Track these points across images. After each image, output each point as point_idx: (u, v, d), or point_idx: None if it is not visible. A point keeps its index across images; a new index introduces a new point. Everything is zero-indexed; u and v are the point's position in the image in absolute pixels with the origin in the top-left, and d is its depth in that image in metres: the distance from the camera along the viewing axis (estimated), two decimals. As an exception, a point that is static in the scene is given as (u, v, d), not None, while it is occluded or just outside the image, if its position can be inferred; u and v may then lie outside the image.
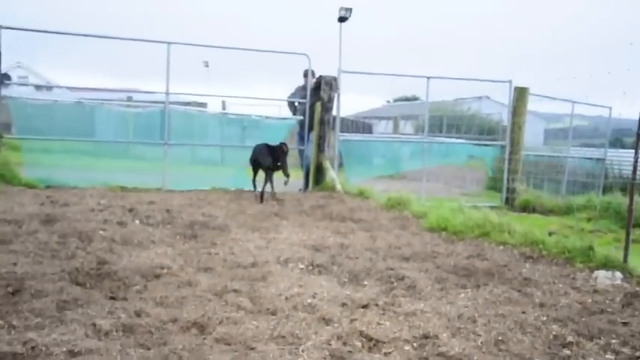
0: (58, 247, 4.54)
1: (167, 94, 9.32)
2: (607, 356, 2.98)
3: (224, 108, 16.99)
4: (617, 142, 17.69)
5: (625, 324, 3.46)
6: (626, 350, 3.06)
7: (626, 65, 4.83)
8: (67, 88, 13.97)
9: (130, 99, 16.15)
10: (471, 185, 12.74)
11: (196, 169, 11.92)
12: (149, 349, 2.65)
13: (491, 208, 8.67)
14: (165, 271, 4.03)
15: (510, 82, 10.49)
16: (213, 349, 2.68)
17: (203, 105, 17.53)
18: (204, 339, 2.81)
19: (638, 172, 5.05)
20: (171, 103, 10.72)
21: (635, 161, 4.85)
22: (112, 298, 3.41)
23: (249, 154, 11.38)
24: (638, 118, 4.94)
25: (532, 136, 17.82)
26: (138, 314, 3.09)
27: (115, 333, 2.81)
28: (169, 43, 9.02)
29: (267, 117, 14.49)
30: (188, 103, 15.99)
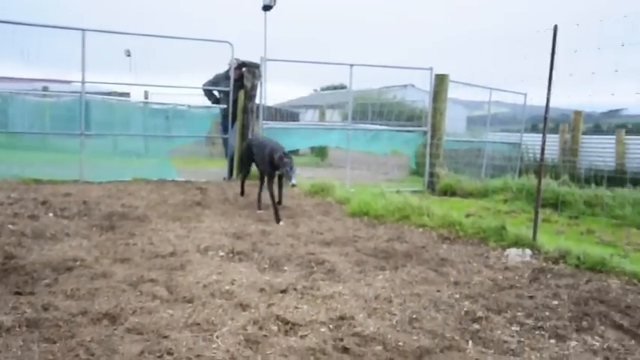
0: (-38, 242, 4.31)
1: (83, 83, 8.96)
2: (513, 328, 3.12)
3: (147, 98, 16.55)
4: (533, 128, 18.45)
5: (531, 297, 3.63)
6: (530, 321, 3.22)
7: (542, 52, 5.02)
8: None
9: (45, 89, 15.46)
10: (396, 171, 12.98)
11: (118, 161, 11.56)
12: (55, 342, 2.56)
13: (414, 192, 8.88)
14: (78, 263, 3.90)
15: (431, 69, 10.71)
16: (124, 340, 2.62)
17: (125, 95, 17.01)
18: (115, 330, 2.74)
19: (545, 154, 5.29)
20: (91, 93, 10.33)
21: (543, 143, 5.08)
22: (18, 293, 3.26)
23: (173, 144, 11.14)
24: (549, 105, 5.16)
25: (455, 123, 18.33)
26: (45, 308, 2.97)
27: (17, 329, 2.69)
28: (84, 30, 8.66)
29: (190, 106, 14.25)
30: (109, 93, 15.47)
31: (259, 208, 6.55)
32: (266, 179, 6.34)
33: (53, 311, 2.93)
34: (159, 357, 2.46)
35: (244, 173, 7.43)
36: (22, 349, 2.46)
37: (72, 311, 2.95)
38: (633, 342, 3.00)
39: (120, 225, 5.35)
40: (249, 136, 9.63)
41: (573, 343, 2.95)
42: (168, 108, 14.80)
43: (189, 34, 10.57)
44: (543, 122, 5.22)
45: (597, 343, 2.96)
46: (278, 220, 5.88)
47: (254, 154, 6.81)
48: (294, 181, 5.83)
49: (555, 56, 4.83)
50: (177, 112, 14.66)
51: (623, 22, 5.38)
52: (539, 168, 5.22)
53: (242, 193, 7.34)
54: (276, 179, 6.44)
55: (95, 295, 3.27)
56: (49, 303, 3.04)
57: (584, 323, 3.23)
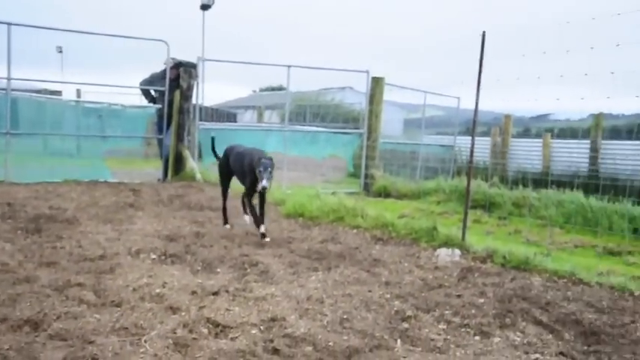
0: None
1: (9, 79, 8.61)
2: (440, 326, 3.21)
3: (79, 96, 16.05)
4: (467, 131, 18.99)
5: (458, 296, 3.75)
6: (456, 319, 3.32)
7: (475, 58, 5.19)
8: None
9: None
10: (333, 173, 13.10)
11: (48, 161, 11.17)
12: (-29, 351, 2.46)
13: (350, 194, 8.99)
14: (-1, 268, 3.75)
15: (367, 72, 10.88)
16: (46, 346, 2.53)
17: (57, 93, 16.46)
18: (37, 336, 2.65)
19: (477, 157, 5.47)
20: (19, 90, 9.95)
21: (472, 146, 5.24)
22: None
23: (107, 144, 10.81)
24: (478, 108, 5.34)
25: (392, 125, 18.65)
26: (-38, 315, 2.85)
27: None
28: (9, 24, 8.33)
29: (125, 106, 13.91)
30: (39, 91, 14.92)
31: (245, 212, 5.64)
32: (245, 192, 5.40)
33: (-29, 318, 2.81)
34: (83, 363, 2.40)
35: (224, 189, 5.84)
36: None
37: (-9, 318, 2.83)
38: (551, 336, 3.14)
39: (47, 228, 5.18)
40: (185, 137, 9.50)
41: (496, 340, 3.06)
42: (102, 107, 14.42)
43: (125, 32, 10.27)
44: (472, 125, 5.40)
45: (518, 339, 3.08)
46: (262, 233, 5.13)
47: (231, 166, 5.64)
48: (264, 183, 4.93)
49: (484, 62, 5.01)
50: (111, 111, 14.30)
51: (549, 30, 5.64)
52: (469, 170, 5.39)
53: (225, 220, 5.76)
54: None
55: (17, 300, 3.14)
56: (-33, 310, 2.91)
57: (507, 320, 3.35)
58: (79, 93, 16.44)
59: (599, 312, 3.58)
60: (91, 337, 2.67)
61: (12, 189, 7.26)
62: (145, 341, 2.68)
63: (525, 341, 3.05)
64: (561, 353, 2.91)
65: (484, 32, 5.17)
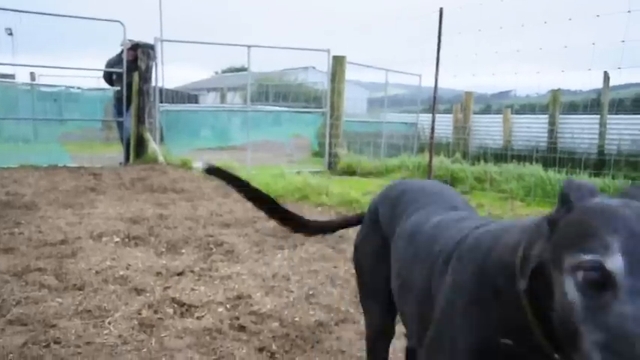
0: None
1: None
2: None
3: (33, 79, 15.60)
4: (429, 109, 19.16)
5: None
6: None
7: (434, 34, 5.22)
8: None
9: None
10: (297, 152, 13.08)
11: (3, 147, 10.88)
12: None
13: (315, 173, 8.99)
14: (-45, 255, 3.64)
15: (328, 50, 10.84)
16: (5, 332, 2.48)
17: (10, 77, 15.97)
18: (-4, 322, 2.60)
19: (439, 134, 5.54)
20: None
21: (433, 122, 5.30)
22: None
23: (65, 128, 10.55)
24: (437, 85, 5.39)
25: (356, 104, 18.69)
26: None
27: None
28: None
29: (82, 89, 13.60)
30: (-10, 74, 14.45)
31: None
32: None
33: None
34: (45, 346, 2.36)
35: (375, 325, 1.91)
36: None
37: (-53, 305, 2.76)
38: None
39: (4, 214, 5.04)
40: (146, 119, 9.31)
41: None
42: (59, 90, 14.04)
43: (79, 13, 9.97)
44: (433, 101, 5.45)
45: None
46: None
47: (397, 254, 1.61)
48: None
49: (442, 38, 5.04)
50: (68, 94, 13.95)
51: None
52: (430, 146, 5.45)
53: None
54: None
55: (-26, 287, 3.07)
56: None
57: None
58: (33, 76, 15.96)
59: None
60: (53, 320, 2.63)
61: (-34, 176, 7.04)
62: (109, 323, 2.65)
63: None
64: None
65: (441, 9, 5.20)
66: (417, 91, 14.56)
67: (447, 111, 17.27)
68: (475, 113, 16.07)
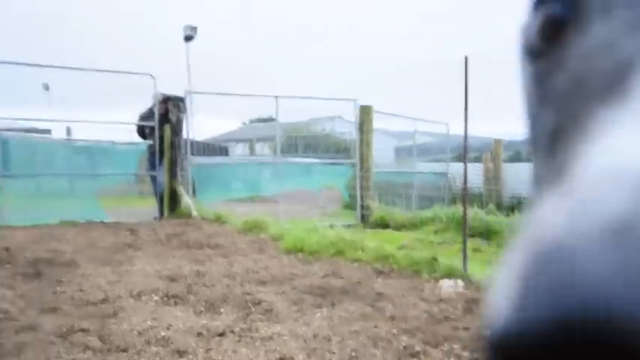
0: None
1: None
2: (448, 360, 3.21)
3: (69, 134, 16.05)
4: (459, 157, 19.14)
5: (466, 329, 3.74)
6: (466, 354, 3.31)
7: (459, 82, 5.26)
8: None
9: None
10: (329, 205, 13.12)
11: (42, 202, 11.15)
12: (-19, 405, 2.43)
13: (348, 226, 9.00)
14: (1, 316, 3.72)
15: (355, 100, 11.00)
16: (56, 397, 2.52)
17: (46, 132, 16.48)
18: (46, 387, 2.63)
19: (471, 184, 5.53)
20: (8, 130, 9.99)
21: (465, 172, 5.29)
22: (-62, 352, 3.08)
23: (100, 183, 10.75)
24: (467, 133, 5.41)
25: (384, 154, 18.76)
26: (-32, 367, 2.83)
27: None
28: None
29: (115, 142, 13.89)
30: (28, 130, 14.94)
31: None
32: None
33: (-23, 371, 2.79)
34: (94, 413, 2.38)
35: None
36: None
37: (-2, 369, 2.81)
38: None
39: (46, 272, 5.14)
40: (178, 173, 9.48)
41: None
42: (93, 144, 14.38)
43: (110, 67, 10.36)
44: (464, 151, 5.46)
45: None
46: None
47: None
48: None
49: (469, 87, 5.09)
50: (102, 149, 14.27)
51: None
52: (463, 197, 5.43)
53: None
54: None
55: (22, 349, 3.12)
56: (-28, 362, 2.89)
57: (515, 351, 3.35)
58: (68, 131, 16.42)
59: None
60: (100, 385, 2.65)
61: (9, 233, 7.22)
62: None
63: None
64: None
65: (466, 57, 5.26)
66: (445, 139, 14.60)
67: (477, 159, 17.23)
68: (505, 161, 15.96)
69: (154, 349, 3.19)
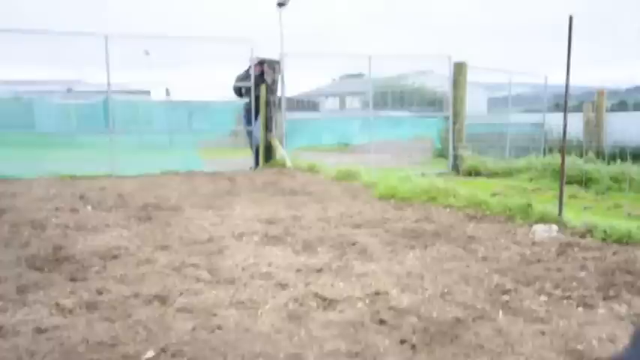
0: (11, 236, 4.53)
1: (109, 84, 9.26)
2: (541, 298, 3.24)
3: (168, 94, 16.82)
4: (556, 107, 18.35)
5: (558, 270, 3.74)
6: (557, 292, 3.33)
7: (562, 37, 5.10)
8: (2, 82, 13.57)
9: (70, 90, 15.83)
10: (419, 154, 13.07)
11: (145, 155, 11.83)
12: (114, 321, 2.75)
13: (439, 174, 8.98)
14: (122, 251, 4.10)
15: (449, 57, 10.79)
16: (176, 318, 2.80)
17: (146, 92, 17.34)
18: (167, 310, 2.93)
19: (570, 134, 5.38)
20: (114, 92, 10.61)
21: (564, 127, 5.15)
22: (72, 279, 3.46)
23: (196, 137, 11.23)
24: (568, 91, 5.24)
25: (476, 104, 18.29)
26: (100, 292, 3.18)
27: (79, 310, 2.90)
28: (107, 36, 8.96)
29: (210, 102, 14.41)
30: (131, 92, 15.75)
31: None
32: None
33: (107, 294, 3.13)
34: (211, 332, 2.64)
35: None
36: (87, 327, 2.66)
37: (124, 294, 3.14)
38: (660, 308, 3.10)
39: (155, 215, 5.56)
40: (273, 127, 9.81)
41: (601, 311, 3.06)
42: (190, 103, 14.97)
43: (209, 32, 10.75)
44: (564, 107, 5.30)
45: (624, 310, 3.06)
46: None
47: None
48: None
49: (572, 44, 4.91)
50: (198, 106, 14.82)
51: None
52: (562, 149, 5.29)
53: None
54: None
55: (143, 279, 3.46)
56: (103, 287, 3.24)
57: (611, 292, 3.33)
58: (167, 92, 17.17)
59: None
60: (214, 309, 2.92)
61: (119, 181, 7.81)
62: (262, 314, 2.89)
63: (632, 312, 3.03)
64: (671, 323, 2.87)
65: (571, 17, 5.05)
66: (541, 90, 14.04)
67: (577, 108, 16.45)
68: (608, 110, 15.11)
69: (259, 282, 3.43)
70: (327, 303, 3.11)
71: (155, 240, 4.54)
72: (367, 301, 3.14)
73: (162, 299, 3.09)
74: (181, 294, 3.18)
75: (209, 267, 3.76)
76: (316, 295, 3.19)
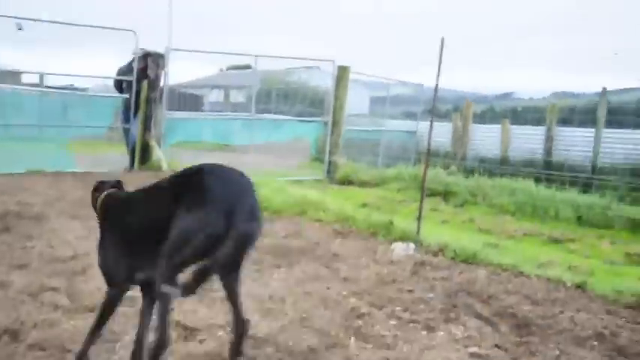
0: None
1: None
2: (391, 322, 3.51)
3: (42, 81, 15.81)
4: (430, 113, 19.29)
5: (410, 291, 4.06)
6: (406, 315, 3.62)
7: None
8: None
9: None
10: (297, 158, 13.32)
11: (10, 147, 11.08)
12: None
13: (315, 181, 9.25)
14: (-27, 273, 3.90)
15: (333, 61, 11.11)
16: (26, 357, 2.74)
17: (16, 74, 16.22)
18: (17, 347, 2.84)
19: (437, 144, 5.78)
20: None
21: (429, 138, 5.53)
22: None
23: (70, 131, 10.69)
24: (436, 102, 5.62)
25: (357, 104, 18.87)
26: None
27: None
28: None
29: (87, 91, 13.79)
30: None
31: None
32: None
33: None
34: (62, 372, 2.62)
35: None
36: None
37: (-30, 328, 3.01)
38: (489, 329, 3.47)
39: (15, 225, 5.30)
40: (152, 127, 9.58)
41: (440, 334, 3.38)
42: (66, 94, 14.20)
43: (87, 21, 10.28)
44: (431, 115, 5.69)
45: (459, 333, 3.39)
46: None
47: None
48: None
49: (441, 66, 5.27)
50: (75, 98, 14.08)
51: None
52: (426, 159, 5.70)
53: None
54: None
55: (-7, 308, 3.32)
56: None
57: (452, 314, 3.67)
58: (41, 78, 16.15)
59: (534, 304, 3.94)
60: (69, 345, 2.88)
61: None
62: (120, 348, 2.90)
63: (466, 335, 3.37)
64: (496, 345, 3.23)
65: (442, 38, 5.41)
66: (420, 91, 14.82)
67: (449, 112, 17.45)
68: (476, 116, 15.95)
69: (120, 309, 3.40)
70: (189, 332, 3.17)
71: (12, 257, 4.35)
72: (228, 329, 3.23)
73: (14, 333, 2.99)
74: (35, 326, 3.10)
75: (69, 291, 3.68)
76: (178, 323, 3.23)
